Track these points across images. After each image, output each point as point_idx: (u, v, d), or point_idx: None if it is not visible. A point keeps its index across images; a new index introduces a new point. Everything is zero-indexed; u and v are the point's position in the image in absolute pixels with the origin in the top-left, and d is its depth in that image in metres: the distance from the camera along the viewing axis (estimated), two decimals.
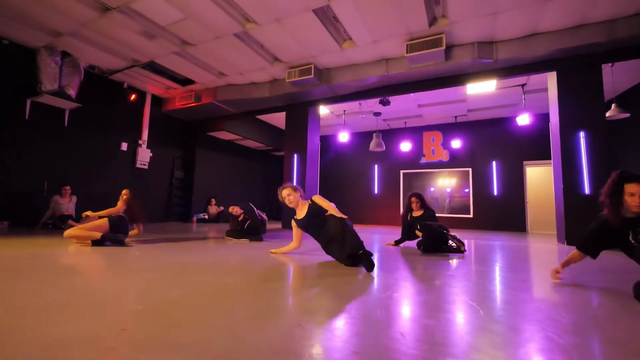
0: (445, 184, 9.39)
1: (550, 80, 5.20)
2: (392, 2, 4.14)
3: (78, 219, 5.63)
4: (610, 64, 5.10)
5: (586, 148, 4.66)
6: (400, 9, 4.28)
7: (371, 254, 2.34)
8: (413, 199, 4.04)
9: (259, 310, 1.36)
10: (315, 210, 2.77)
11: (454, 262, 2.89)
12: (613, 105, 5.36)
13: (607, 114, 5.33)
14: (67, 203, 5.64)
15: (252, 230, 4.40)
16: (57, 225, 5.44)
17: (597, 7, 4.11)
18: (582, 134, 4.70)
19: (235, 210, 4.69)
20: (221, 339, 1.05)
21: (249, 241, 4.23)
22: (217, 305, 1.42)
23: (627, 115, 5.31)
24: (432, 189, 9.52)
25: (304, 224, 2.84)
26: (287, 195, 2.90)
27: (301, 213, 2.86)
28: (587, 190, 4.58)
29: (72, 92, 5.81)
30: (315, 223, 2.77)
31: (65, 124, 6.22)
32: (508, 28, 4.64)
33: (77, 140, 6.38)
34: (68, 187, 5.70)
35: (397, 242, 4.11)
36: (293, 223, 2.94)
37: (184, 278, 1.95)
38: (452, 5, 4.20)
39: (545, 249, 4.27)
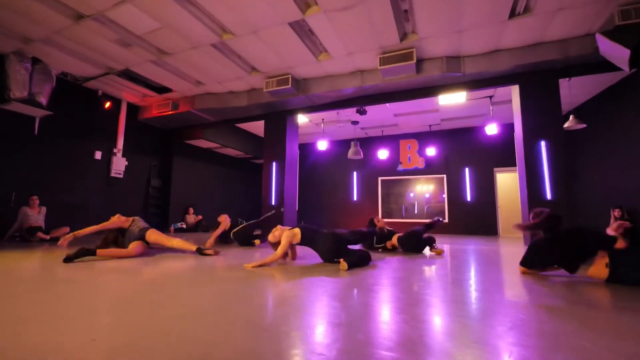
0: (423, 190, 9.70)
1: (514, 93, 5.57)
2: (365, 17, 4.34)
3: (48, 230, 5.44)
4: (567, 79, 5.54)
5: (547, 156, 5.01)
6: (372, 25, 4.49)
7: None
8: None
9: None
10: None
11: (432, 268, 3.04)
12: (571, 117, 5.80)
13: (566, 125, 5.76)
14: (35, 214, 5.43)
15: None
16: (25, 237, 5.23)
17: (551, 27, 4.48)
18: (543, 144, 5.06)
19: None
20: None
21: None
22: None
23: (584, 125, 5.75)
24: (411, 195, 9.80)
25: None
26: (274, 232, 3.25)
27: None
28: (548, 196, 4.91)
29: (42, 100, 5.65)
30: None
31: (35, 133, 6.02)
32: (473, 44, 4.96)
33: (47, 149, 6.18)
34: (36, 198, 5.49)
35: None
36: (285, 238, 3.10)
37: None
38: (420, 22, 4.46)
39: (511, 252, 4.53)
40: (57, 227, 5.53)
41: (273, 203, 7.03)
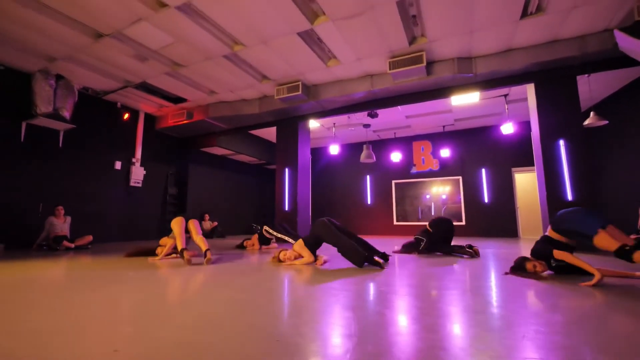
0: (438, 192, 9.55)
1: (530, 91, 5.44)
2: (372, 24, 4.37)
3: (73, 239, 5.70)
4: (586, 75, 5.36)
5: (566, 156, 4.86)
6: (380, 30, 4.51)
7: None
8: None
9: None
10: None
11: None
12: (592, 114, 5.59)
13: (586, 122, 5.56)
14: (61, 224, 5.70)
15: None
16: (51, 246, 5.50)
17: (567, 25, 4.37)
18: (561, 142, 4.91)
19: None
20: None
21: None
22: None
23: (606, 122, 5.54)
24: (427, 196, 9.66)
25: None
26: (284, 256, 3.60)
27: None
28: (569, 197, 4.76)
29: (66, 114, 5.96)
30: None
31: (60, 145, 6.34)
32: (484, 45, 4.89)
33: (71, 160, 6.50)
34: (61, 208, 5.77)
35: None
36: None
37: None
38: (429, 26, 4.44)
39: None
40: (81, 236, 5.78)
41: (286, 209, 7.11)
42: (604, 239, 2.26)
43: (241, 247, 5.73)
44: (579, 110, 4.93)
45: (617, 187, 6.77)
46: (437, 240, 4.36)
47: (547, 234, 2.67)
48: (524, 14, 4.19)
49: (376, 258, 3.36)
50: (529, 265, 2.60)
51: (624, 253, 2.18)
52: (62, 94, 5.90)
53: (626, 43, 3.84)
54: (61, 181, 6.31)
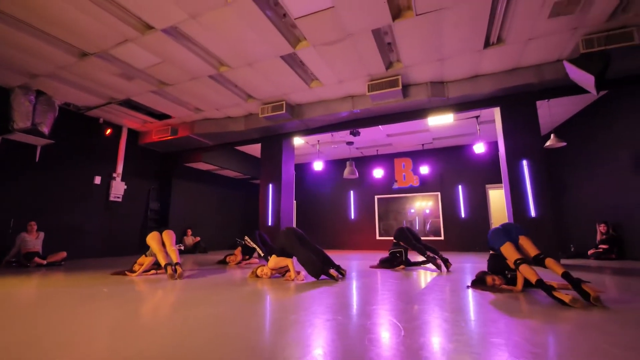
0: (421, 206, 9.83)
1: (496, 114, 5.87)
2: (351, 50, 4.69)
3: (45, 255, 5.55)
4: (547, 100, 5.86)
5: (529, 175, 5.24)
6: (359, 56, 4.84)
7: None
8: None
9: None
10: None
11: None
12: (552, 136, 6.08)
13: (547, 144, 6.03)
14: (33, 240, 5.57)
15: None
16: (22, 263, 5.34)
17: (525, 54, 4.83)
18: (524, 162, 5.30)
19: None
20: None
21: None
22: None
23: (564, 144, 6.03)
24: (412, 210, 9.94)
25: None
26: (261, 272, 3.71)
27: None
28: (532, 213, 5.10)
29: (45, 129, 5.91)
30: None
31: (37, 159, 6.25)
32: (455, 71, 5.31)
33: (48, 175, 6.39)
34: (34, 223, 5.64)
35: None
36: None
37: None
38: (403, 53, 4.81)
39: None
40: (54, 252, 5.64)
41: (270, 224, 7.19)
42: (505, 250, 2.63)
43: (223, 262, 5.74)
44: (539, 133, 5.37)
45: (577, 205, 7.26)
46: (412, 245, 4.59)
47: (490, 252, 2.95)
48: (487, 44, 4.62)
49: (331, 271, 3.49)
50: (488, 279, 2.83)
51: (515, 266, 2.54)
52: (42, 110, 5.87)
53: (574, 73, 4.30)
54: (36, 196, 6.18)
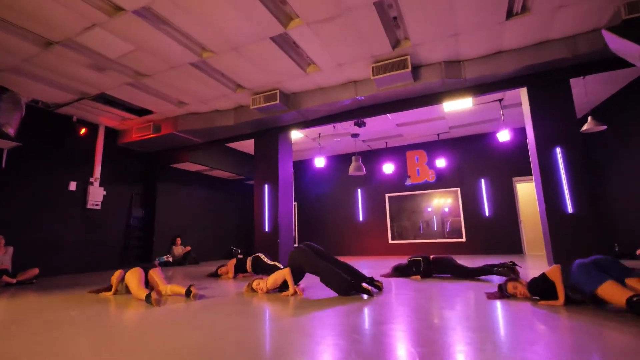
0: (439, 204, 9.60)
1: (523, 96, 5.64)
2: (351, 27, 4.50)
3: (15, 273, 5.48)
4: (581, 78, 5.61)
5: (564, 164, 5.01)
6: (360, 33, 4.65)
7: None
8: None
9: None
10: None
11: None
12: (589, 118, 5.82)
13: (584, 128, 5.78)
14: (1, 256, 5.50)
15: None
16: None
17: (555, 25, 4.60)
18: (558, 150, 5.07)
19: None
20: None
21: None
22: None
23: (604, 127, 5.76)
24: (429, 209, 9.71)
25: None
26: (257, 286, 3.65)
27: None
28: (569, 209, 4.87)
29: (10, 130, 5.83)
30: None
31: (3, 166, 6.19)
32: (472, 47, 5.09)
33: (16, 183, 6.32)
34: (1, 237, 5.57)
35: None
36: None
37: None
38: (411, 28, 4.61)
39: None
40: (25, 269, 5.57)
41: (266, 229, 7.06)
42: (606, 291, 2.26)
43: (215, 275, 5.62)
44: (574, 116, 5.12)
45: (621, 198, 6.97)
46: (439, 267, 4.44)
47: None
48: (510, 14, 4.39)
49: (364, 285, 3.33)
50: (509, 286, 2.73)
51: (633, 304, 2.10)
52: (7, 108, 5.79)
53: (615, 44, 4.05)
54: (3, 207, 6.12)
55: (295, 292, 3.41)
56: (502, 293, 2.88)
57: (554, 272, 2.57)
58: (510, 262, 4.22)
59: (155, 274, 3.75)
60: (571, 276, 2.47)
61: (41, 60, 5.04)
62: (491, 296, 2.91)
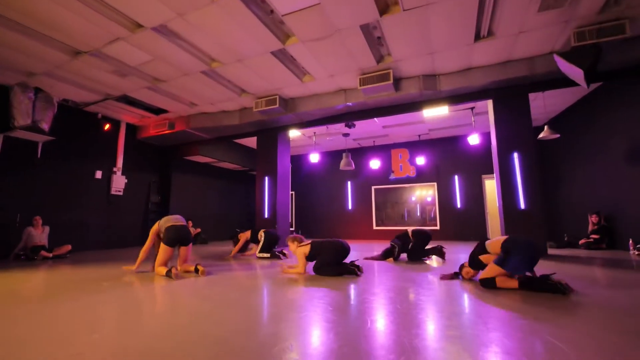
0: (422, 195, 9.87)
1: (489, 106, 5.84)
2: (340, 45, 4.67)
3: (51, 249, 5.75)
4: (542, 92, 5.80)
5: (520, 167, 5.26)
6: (348, 51, 4.82)
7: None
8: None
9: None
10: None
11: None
12: (545, 127, 6.05)
13: (540, 135, 6.01)
14: (39, 234, 5.76)
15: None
16: (29, 256, 5.55)
17: (517, 47, 4.77)
18: (515, 155, 5.31)
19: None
20: None
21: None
22: None
23: (557, 135, 6.00)
24: (413, 198, 10.00)
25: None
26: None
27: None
28: (522, 206, 5.15)
29: (45, 126, 6.01)
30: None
31: (38, 156, 6.39)
32: (446, 64, 5.26)
33: (50, 171, 6.54)
34: (39, 218, 5.82)
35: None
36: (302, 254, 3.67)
37: None
38: (393, 47, 4.78)
39: None
40: (59, 246, 5.84)
41: (266, 216, 7.32)
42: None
43: (235, 238, 5.96)
44: (530, 125, 5.35)
45: (572, 196, 7.27)
46: (415, 247, 4.75)
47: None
48: (477, 37, 4.56)
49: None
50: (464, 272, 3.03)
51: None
52: (41, 107, 5.95)
53: (564, 67, 4.25)
54: (39, 191, 6.35)
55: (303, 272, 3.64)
56: (454, 275, 3.18)
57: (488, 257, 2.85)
58: (439, 246, 4.81)
59: (186, 251, 3.81)
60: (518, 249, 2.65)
61: (71, 67, 5.19)
62: (444, 277, 3.19)
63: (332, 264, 3.54)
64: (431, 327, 1.80)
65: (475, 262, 2.95)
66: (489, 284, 2.66)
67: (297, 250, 3.72)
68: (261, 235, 5.58)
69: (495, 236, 3.54)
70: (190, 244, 3.90)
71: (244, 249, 5.90)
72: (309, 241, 3.82)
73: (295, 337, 1.67)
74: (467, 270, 3.04)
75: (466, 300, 2.40)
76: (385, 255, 4.88)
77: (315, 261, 3.62)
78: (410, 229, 4.96)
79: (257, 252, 5.46)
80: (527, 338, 1.58)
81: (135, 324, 1.91)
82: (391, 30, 4.35)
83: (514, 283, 2.59)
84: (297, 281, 3.23)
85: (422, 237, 4.80)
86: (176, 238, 3.71)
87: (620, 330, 1.68)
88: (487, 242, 2.91)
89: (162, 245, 3.73)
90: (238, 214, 11.73)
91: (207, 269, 3.86)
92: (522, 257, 2.58)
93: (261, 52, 4.80)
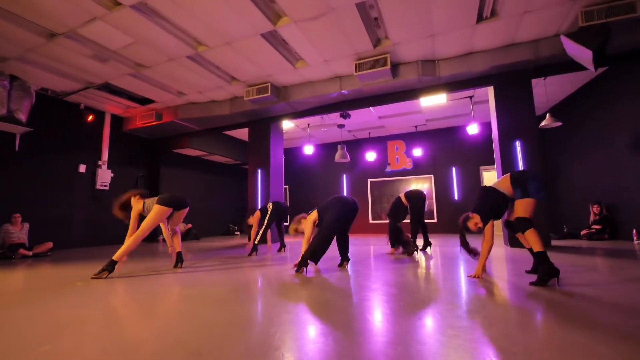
0: (419, 187, 9.65)
1: (490, 93, 5.62)
2: (336, 26, 4.38)
3: (31, 246, 5.42)
4: (543, 78, 5.59)
5: (522, 156, 5.06)
6: (344, 32, 4.53)
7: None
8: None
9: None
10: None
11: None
12: (547, 115, 5.85)
13: (542, 124, 5.81)
14: (17, 231, 5.42)
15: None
16: (6, 255, 5.21)
17: (521, 29, 4.53)
18: (518, 143, 5.11)
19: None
20: None
21: None
22: None
23: (560, 124, 5.80)
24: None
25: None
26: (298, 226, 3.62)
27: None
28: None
29: (22, 116, 5.62)
30: None
31: (16, 149, 6.01)
32: (446, 48, 5.01)
33: (30, 165, 6.16)
34: (18, 215, 5.48)
35: None
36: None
37: None
38: (391, 29, 4.50)
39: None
40: (40, 243, 5.51)
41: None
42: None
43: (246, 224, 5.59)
44: (533, 112, 5.14)
45: (573, 186, 7.12)
46: (415, 213, 4.59)
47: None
48: (480, 18, 4.31)
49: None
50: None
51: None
52: (17, 96, 5.56)
53: (571, 48, 4.03)
54: (19, 187, 5.98)
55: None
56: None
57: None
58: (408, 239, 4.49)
59: (180, 217, 3.66)
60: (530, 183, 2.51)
61: (46, 51, 4.82)
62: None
63: (340, 220, 3.30)
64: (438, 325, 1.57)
65: (494, 210, 2.69)
66: (524, 225, 2.44)
67: (307, 220, 3.48)
68: (269, 207, 5.13)
69: (495, 228, 3.32)
70: (188, 207, 3.67)
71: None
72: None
73: (287, 345, 1.42)
74: (475, 221, 2.75)
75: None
76: (397, 242, 4.47)
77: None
78: (401, 194, 4.72)
79: (262, 229, 4.94)
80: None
81: (96, 335, 1.64)
82: (389, 9, 4.07)
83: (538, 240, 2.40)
84: (293, 278, 2.98)
85: (418, 198, 4.62)
86: (174, 199, 3.47)
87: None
88: (492, 184, 2.79)
89: (155, 207, 3.32)
90: (230, 209, 11.42)
91: (195, 267, 3.59)
92: (538, 182, 2.49)
93: (251, 34, 4.49)
